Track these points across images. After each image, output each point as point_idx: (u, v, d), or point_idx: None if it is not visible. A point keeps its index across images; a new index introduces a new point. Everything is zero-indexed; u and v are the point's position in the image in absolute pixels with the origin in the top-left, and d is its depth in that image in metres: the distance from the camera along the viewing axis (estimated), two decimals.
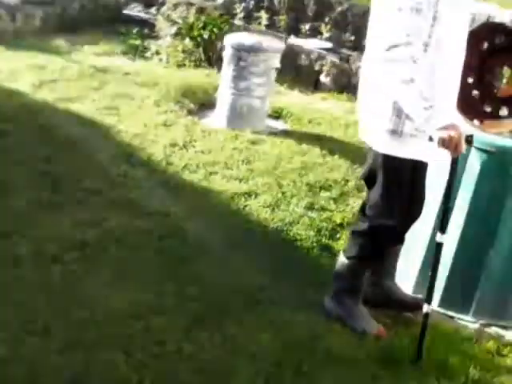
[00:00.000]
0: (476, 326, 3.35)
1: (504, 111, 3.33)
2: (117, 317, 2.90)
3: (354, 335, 3.03)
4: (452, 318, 3.36)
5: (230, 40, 5.73)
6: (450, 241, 3.32)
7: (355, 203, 4.46)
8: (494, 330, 3.34)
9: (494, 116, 3.34)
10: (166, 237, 3.69)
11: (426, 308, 2.89)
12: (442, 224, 2.84)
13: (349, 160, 5.22)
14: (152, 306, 3.02)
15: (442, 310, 3.38)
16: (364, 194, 4.62)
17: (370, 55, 2.85)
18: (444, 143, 2.58)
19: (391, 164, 2.86)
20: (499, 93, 3.36)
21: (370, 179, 3.02)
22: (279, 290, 3.33)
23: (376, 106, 2.82)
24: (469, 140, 2.64)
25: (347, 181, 4.85)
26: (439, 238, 2.83)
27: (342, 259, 3.15)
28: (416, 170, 2.92)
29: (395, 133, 2.78)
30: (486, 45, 3.25)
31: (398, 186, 2.92)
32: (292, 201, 4.37)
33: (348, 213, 4.33)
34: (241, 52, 5.61)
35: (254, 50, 5.60)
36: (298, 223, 4.08)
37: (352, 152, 5.42)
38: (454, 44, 2.78)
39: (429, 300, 2.89)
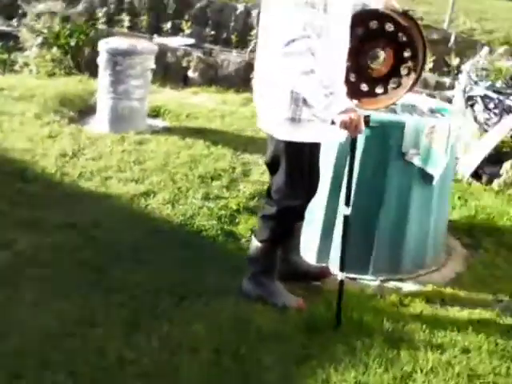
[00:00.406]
0: (377, 283, 3.46)
1: (380, 89, 3.43)
2: (52, 337, 2.71)
3: (277, 311, 3.03)
4: (354, 279, 3.44)
5: (104, 45, 5.50)
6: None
7: (245, 188, 4.50)
8: (392, 284, 3.47)
9: (371, 94, 3.42)
10: (79, 249, 3.51)
11: (340, 275, 2.96)
12: (347, 198, 2.88)
13: (231, 148, 5.23)
14: (84, 319, 2.85)
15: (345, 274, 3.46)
16: (251, 178, 4.73)
17: (266, 50, 2.82)
18: (345, 125, 2.62)
19: (293, 149, 2.87)
20: (374, 73, 3.44)
21: (273, 165, 3.01)
22: (199, 282, 3.26)
23: (274, 97, 2.81)
24: (366, 120, 2.69)
25: (234, 168, 4.85)
26: (346, 210, 2.89)
27: (254, 243, 3.14)
28: (313, 152, 2.96)
29: (294, 120, 2.79)
30: (360, 30, 3.30)
31: (300, 168, 2.94)
32: (188, 194, 4.31)
33: (241, 198, 4.33)
34: (116, 56, 5.42)
35: (129, 53, 5.43)
36: (199, 215, 4.03)
37: (233, 140, 5.45)
38: (341, 32, 2.82)
39: (342, 268, 2.95)
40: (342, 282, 2.95)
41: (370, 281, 3.47)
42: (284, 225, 3.06)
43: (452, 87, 7.29)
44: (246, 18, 8.21)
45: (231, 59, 7.65)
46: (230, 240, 3.80)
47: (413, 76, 3.36)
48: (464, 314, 3.17)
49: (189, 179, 4.54)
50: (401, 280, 3.49)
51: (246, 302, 3.10)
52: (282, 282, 3.20)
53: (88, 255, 3.45)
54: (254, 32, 7.82)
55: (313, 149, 2.95)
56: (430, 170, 3.41)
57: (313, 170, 3.01)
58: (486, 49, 8.33)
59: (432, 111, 3.58)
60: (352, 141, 2.80)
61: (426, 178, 3.43)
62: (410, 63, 3.37)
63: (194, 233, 3.84)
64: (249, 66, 7.58)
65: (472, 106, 6.30)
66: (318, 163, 3.06)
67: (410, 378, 2.64)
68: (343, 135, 2.74)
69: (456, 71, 7.58)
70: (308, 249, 3.55)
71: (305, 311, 3.05)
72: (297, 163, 2.91)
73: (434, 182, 3.45)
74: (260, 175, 4.76)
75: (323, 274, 3.43)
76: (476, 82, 6.68)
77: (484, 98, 6.25)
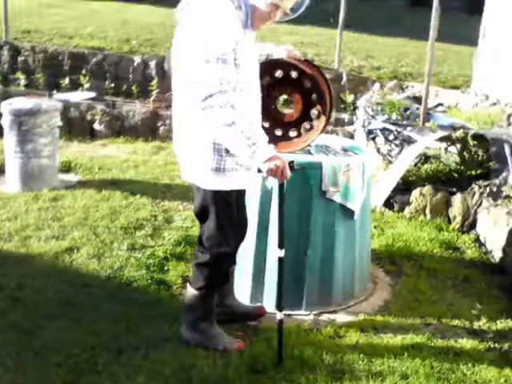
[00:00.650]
0: (311, 317, 3.54)
1: (293, 133, 3.56)
2: None
3: (219, 356, 3.03)
4: (289, 315, 3.49)
5: (8, 107, 5.39)
6: (275, 250, 3.49)
7: (170, 235, 4.50)
8: (325, 316, 3.55)
9: (286, 138, 3.54)
10: (6, 312, 3.37)
11: (279, 315, 3.00)
12: (280, 241, 2.95)
13: (150, 197, 5.24)
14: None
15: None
16: (174, 224, 4.73)
17: (183, 103, 2.86)
18: (272, 172, 2.70)
19: (221, 198, 2.91)
20: (286, 118, 3.58)
21: (202, 214, 3.03)
22: (135, 334, 3.21)
23: (197, 150, 2.84)
24: (291, 165, 2.77)
25: (155, 216, 4.85)
26: (279, 253, 2.95)
27: (191, 291, 3.13)
28: (239, 198, 3.03)
29: (219, 170, 2.84)
30: (267, 79, 3.43)
31: (229, 215, 2.98)
32: (113, 246, 4.26)
33: (167, 245, 4.32)
34: (21, 117, 5.32)
35: (34, 112, 5.34)
36: (127, 266, 3.98)
37: (150, 189, 5.45)
38: (253, 84, 2.92)
39: (280, 307, 2.99)
40: (281, 321, 3.00)
41: (304, 316, 3.54)
42: (219, 271, 3.09)
43: (351, 123, 7.62)
44: (145, 69, 8.33)
45: (136, 110, 7.69)
46: (162, 288, 3.77)
47: (323, 118, 3.50)
48: (397, 340, 3.28)
49: (111, 231, 4.49)
50: (333, 312, 3.58)
51: (186, 350, 3.08)
52: (220, 326, 3.22)
53: (16, 318, 3.33)
54: (154, 82, 7.94)
55: (239, 195, 3.01)
56: (350, 205, 3.55)
57: (241, 215, 3.08)
58: (377, 84, 8.80)
59: (345, 150, 3.73)
60: (280, 186, 2.88)
61: (348, 213, 3.57)
62: (318, 107, 3.51)
63: (124, 285, 3.78)
64: (154, 115, 7.66)
65: (373, 139, 6.61)
66: (245, 208, 3.13)
67: None
68: (271, 182, 2.80)
69: (352, 107, 7.93)
70: (241, 290, 3.59)
71: (246, 352, 3.06)
72: (226, 211, 2.96)
73: (356, 217, 3.60)
74: (183, 221, 4.78)
75: (259, 313, 3.47)
76: (373, 116, 7.03)
77: (383, 130, 6.57)
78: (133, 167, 6.10)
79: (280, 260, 2.95)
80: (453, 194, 4.99)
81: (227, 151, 2.79)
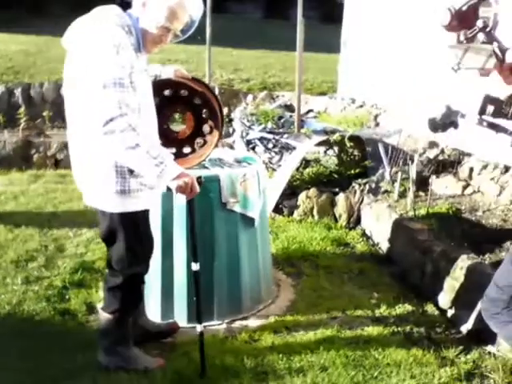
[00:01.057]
0: (224, 326, 3.59)
1: (187, 149, 3.61)
2: None
3: (142, 375, 3.01)
4: (204, 327, 3.52)
5: None
6: (180, 268, 3.53)
7: (64, 263, 4.38)
8: (238, 323, 3.63)
9: (181, 155, 3.58)
10: None
11: (199, 327, 3.03)
12: (194, 255, 2.98)
13: (36, 227, 5.07)
14: None
15: (191, 325, 3.54)
16: (67, 252, 4.62)
17: (81, 129, 2.82)
18: (181, 190, 2.73)
19: (128, 219, 2.90)
20: (180, 135, 3.62)
21: (110, 238, 3.00)
22: (50, 367, 3.11)
23: (99, 174, 2.81)
24: (199, 181, 2.82)
25: (46, 246, 4.71)
26: (194, 267, 2.98)
27: (105, 316, 3.08)
28: (145, 217, 3.03)
29: (124, 192, 2.82)
30: (158, 99, 3.45)
31: (138, 236, 2.99)
32: (7, 281, 4.08)
33: (64, 274, 4.21)
34: None
35: None
36: (26, 300, 3.83)
37: (35, 219, 5.28)
38: (149, 105, 2.94)
39: (199, 320, 3.03)
40: (201, 333, 3.03)
41: (217, 325, 3.59)
42: (132, 292, 3.07)
43: (228, 135, 7.78)
44: (10, 97, 8.06)
45: (6, 139, 7.40)
46: (67, 318, 3.66)
47: (216, 133, 3.59)
48: (309, 336, 3.42)
49: (2, 266, 4.31)
50: (245, 318, 3.66)
51: (107, 376, 3.03)
52: (135, 346, 3.20)
53: None
54: (21, 110, 7.71)
55: (145, 215, 3.02)
56: (250, 214, 3.66)
57: (149, 233, 3.08)
58: (250, 96, 9.05)
59: (238, 161, 3.84)
60: (188, 202, 2.92)
61: (248, 221, 3.68)
62: (210, 122, 3.59)
63: (26, 319, 3.63)
64: (26, 144, 7.41)
65: (253, 148, 6.80)
66: (150, 227, 3.14)
67: None
68: (180, 199, 2.82)
69: (228, 119, 8.10)
70: (151, 308, 3.57)
71: (168, 369, 3.07)
72: (134, 232, 2.96)
73: (256, 224, 3.71)
74: (75, 248, 4.67)
75: (172, 329, 3.48)
76: (250, 127, 7.23)
77: (261, 139, 6.79)
78: (12, 198, 5.85)
79: (195, 273, 2.99)
80: (336, 194, 5.25)
81: (131, 173, 2.80)
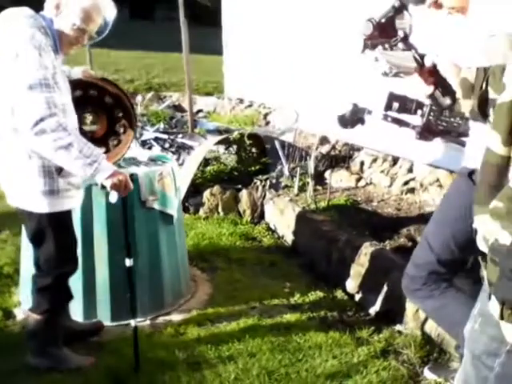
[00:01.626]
0: (148, 322, 3.65)
1: (102, 149, 3.57)
2: None
3: (76, 374, 3.02)
4: (127, 325, 3.56)
5: None
6: (102, 266, 3.55)
7: None
8: (162, 319, 3.70)
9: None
10: None
11: (133, 322, 3.10)
12: (128, 251, 3.04)
13: None
14: None
15: (115, 323, 3.57)
16: None
17: (7, 131, 2.78)
18: (116, 187, 2.77)
19: (56, 219, 2.90)
20: (95, 135, 3.62)
21: (37, 238, 2.98)
22: None
23: (27, 175, 2.80)
24: (132, 178, 2.87)
25: None
26: (128, 262, 3.04)
27: (33, 317, 3.05)
28: (70, 217, 3.05)
29: (52, 192, 2.83)
30: None
31: (66, 235, 3.01)
32: None
33: None
34: None
35: None
36: None
37: None
38: (70, 105, 2.94)
39: (134, 315, 3.10)
40: (135, 327, 3.09)
41: (141, 322, 3.63)
42: (61, 292, 3.08)
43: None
44: None
45: None
46: None
47: (130, 132, 3.62)
48: (233, 326, 3.56)
49: None
50: (167, 314, 3.73)
51: (38, 377, 3.01)
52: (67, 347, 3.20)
53: None
54: None
55: (71, 214, 3.04)
56: (169, 211, 3.74)
57: (74, 232, 3.10)
58: (139, 96, 9.02)
59: (153, 160, 3.90)
60: (123, 200, 2.97)
61: (167, 218, 3.75)
62: (123, 121, 3.61)
63: None
64: None
65: (149, 148, 6.82)
66: (73, 225, 3.15)
67: None
68: (114, 197, 2.86)
69: None
70: (73, 309, 3.54)
71: (101, 366, 3.09)
72: (63, 230, 2.97)
73: (174, 221, 3.79)
74: None
75: (97, 328, 3.49)
76: (143, 127, 7.24)
77: (157, 140, 6.83)
78: None
79: (129, 269, 3.05)
80: (239, 190, 5.43)
81: (58, 172, 2.81)
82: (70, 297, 3.18)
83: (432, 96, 1.63)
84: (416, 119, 2.49)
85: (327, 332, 3.51)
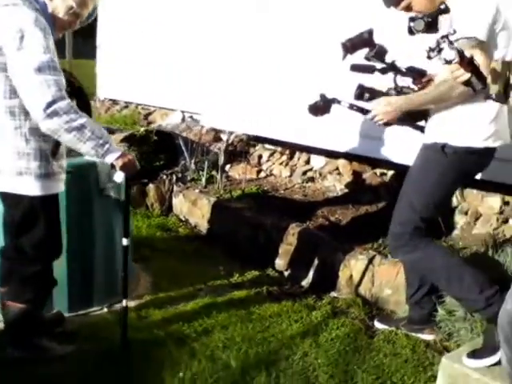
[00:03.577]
0: (105, 310, 3.66)
1: None
2: None
3: (61, 363, 2.98)
4: (85, 314, 3.56)
5: None
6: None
7: None
8: (118, 305, 3.65)
9: None
10: None
11: (124, 302, 3.14)
12: (125, 230, 3.09)
13: None
14: None
15: (73, 314, 3.55)
16: None
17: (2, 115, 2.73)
18: (126, 166, 2.82)
19: (49, 202, 2.88)
20: None
21: (26, 224, 2.90)
22: None
23: (22, 158, 2.75)
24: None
25: None
26: (125, 242, 3.09)
27: (14, 308, 2.96)
28: (58, 200, 3.03)
29: (48, 175, 2.81)
30: None
31: (57, 218, 2.99)
32: None
33: None
34: None
35: None
36: None
37: None
38: None
39: (125, 295, 3.16)
40: (126, 307, 3.14)
41: (99, 311, 3.65)
42: (47, 279, 3.04)
43: None
44: None
45: None
46: None
47: None
48: (192, 305, 3.69)
49: None
50: (120, 301, 3.71)
51: (22, 370, 2.93)
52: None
53: None
54: None
55: (58, 197, 3.01)
56: (122, 198, 3.76)
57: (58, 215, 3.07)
58: None
59: None
60: (127, 180, 3.00)
61: (120, 206, 3.75)
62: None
63: None
64: None
65: None
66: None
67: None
68: (120, 176, 2.90)
69: None
70: None
71: (86, 353, 3.07)
72: (55, 214, 2.95)
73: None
74: None
75: (58, 319, 3.42)
76: None
77: None
78: None
79: (125, 248, 3.11)
80: (146, 184, 5.50)
81: (53, 155, 2.82)
82: (55, 282, 3.13)
83: (468, 81, 2.01)
84: None
85: (279, 303, 3.79)
